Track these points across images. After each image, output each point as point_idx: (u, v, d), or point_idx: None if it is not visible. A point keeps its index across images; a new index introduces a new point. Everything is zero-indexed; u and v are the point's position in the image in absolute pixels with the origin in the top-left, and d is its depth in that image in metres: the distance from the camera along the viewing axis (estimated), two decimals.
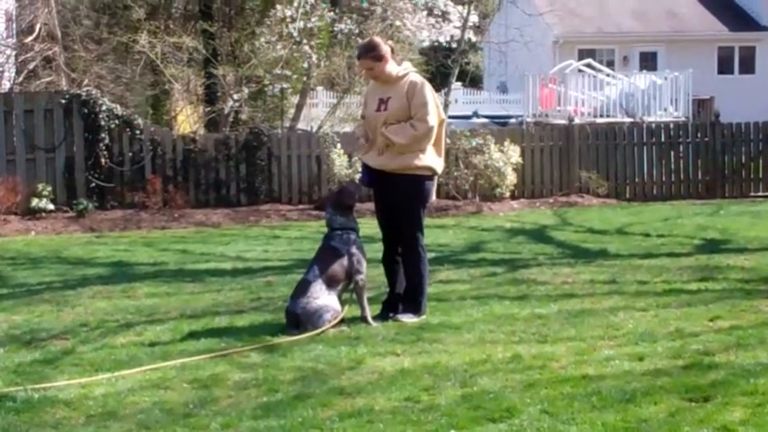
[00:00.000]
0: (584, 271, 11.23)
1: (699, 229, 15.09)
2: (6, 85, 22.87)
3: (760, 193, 20.86)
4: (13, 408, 6.32)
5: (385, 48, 8.84)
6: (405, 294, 8.81)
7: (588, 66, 27.90)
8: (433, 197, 9.50)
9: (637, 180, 20.72)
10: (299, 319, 8.23)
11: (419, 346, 7.63)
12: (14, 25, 25.97)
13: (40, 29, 22.58)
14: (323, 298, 8.31)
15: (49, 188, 17.78)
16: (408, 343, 7.74)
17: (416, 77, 8.87)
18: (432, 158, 8.74)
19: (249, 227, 17.01)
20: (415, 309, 8.73)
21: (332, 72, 23.53)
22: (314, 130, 22.13)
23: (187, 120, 25.77)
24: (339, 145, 18.68)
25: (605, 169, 20.42)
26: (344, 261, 8.51)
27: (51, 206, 17.63)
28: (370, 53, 8.82)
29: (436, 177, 8.99)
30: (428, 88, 8.81)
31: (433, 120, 8.62)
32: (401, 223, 8.78)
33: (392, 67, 8.80)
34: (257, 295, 10.18)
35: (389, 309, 8.80)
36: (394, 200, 8.74)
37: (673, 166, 20.96)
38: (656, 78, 27.03)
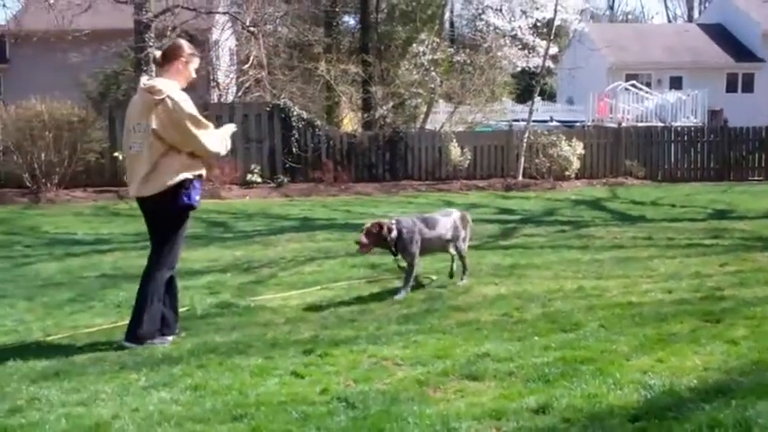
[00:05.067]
0: (628, 230, 10.98)
1: (711, 202, 14.64)
2: (230, 98, 23.39)
3: (756, 178, 20.31)
4: (237, 312, 6.50)
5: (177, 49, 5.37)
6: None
7: (632, 86, 27.13)
8: None
9: (666, 167, 20.24)
10: None
11: (512, 279, 7.57)
12: (235, 57, 26.51)
13: (252, 60, 22.95)
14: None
15: (258, 167, 18.16)
16: (504, 276, 7.69)
17: None
18: None
19: (391, 195, 17.08)
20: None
21: (450, 90, 23.38)
22: (437, 129, 22.07)
23: (350, 122, 25.93)
24: (454, 140, 18.68)
25: (644, 159, 19.99)
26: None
27: (259, 179, 18.03)
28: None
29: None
30: None
31: None
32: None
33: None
34: None
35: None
36: None
37: (692, 158, 20.44)
38: (681, 95, 26.27)
